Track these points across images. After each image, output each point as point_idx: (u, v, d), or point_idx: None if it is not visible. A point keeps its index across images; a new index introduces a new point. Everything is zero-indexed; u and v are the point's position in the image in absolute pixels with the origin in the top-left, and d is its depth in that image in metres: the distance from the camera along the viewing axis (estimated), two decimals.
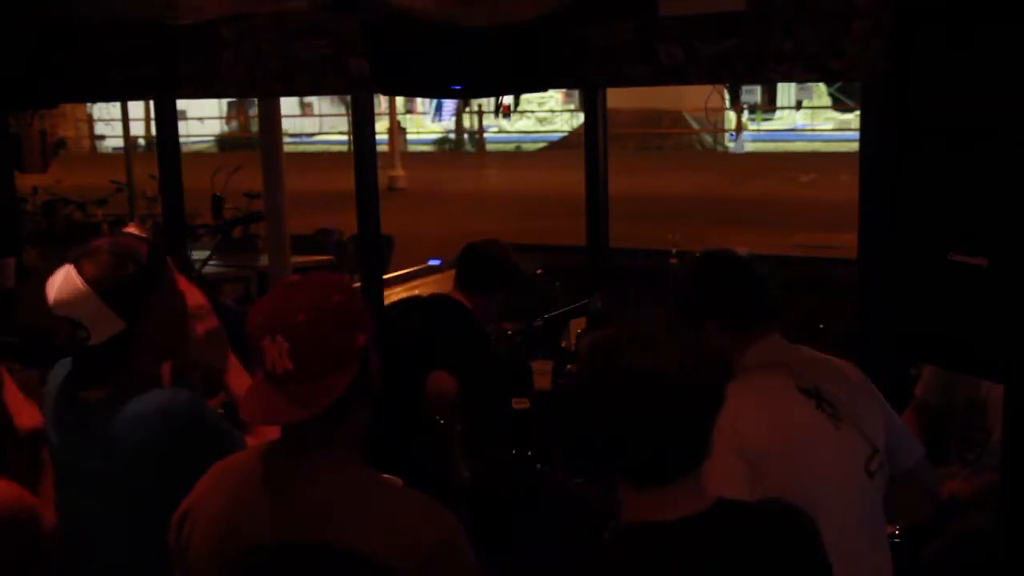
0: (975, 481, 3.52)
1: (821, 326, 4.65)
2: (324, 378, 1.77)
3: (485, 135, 27.88)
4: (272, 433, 2.03)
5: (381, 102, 18.31)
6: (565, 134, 26.40)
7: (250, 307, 1.90)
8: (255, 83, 4.19)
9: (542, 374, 4.52)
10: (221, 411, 2.58)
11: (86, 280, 2.06)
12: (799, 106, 26.26)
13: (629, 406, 1.66)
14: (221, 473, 1.93)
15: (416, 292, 6.17)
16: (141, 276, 2.12)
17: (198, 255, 6.27)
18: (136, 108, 20.73)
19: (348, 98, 14.08)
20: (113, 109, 18.34)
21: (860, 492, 2.33)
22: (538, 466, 3.84)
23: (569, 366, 4.57)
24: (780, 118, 27.38)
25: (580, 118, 17.76)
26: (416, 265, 7.24)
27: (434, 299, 4.35)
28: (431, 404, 3.93)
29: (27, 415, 2.43)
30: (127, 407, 2.10)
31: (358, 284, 5.20)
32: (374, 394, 1.87)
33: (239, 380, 2.35)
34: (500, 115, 24.89)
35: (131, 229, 2.28)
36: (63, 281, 2.07)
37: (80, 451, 2.17)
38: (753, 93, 21.95)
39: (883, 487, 2.38)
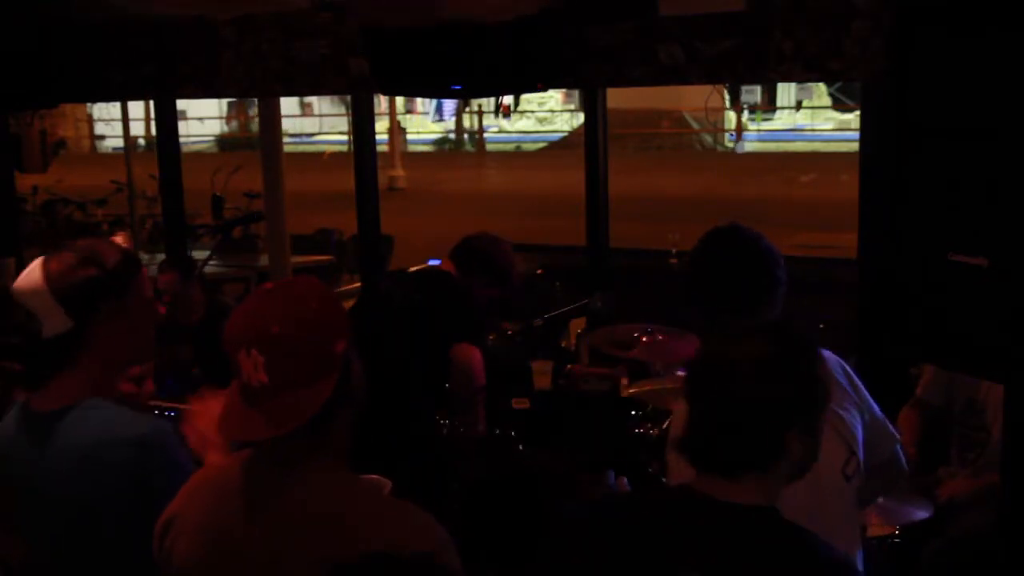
0: (974, 482, 3.51)
1: (821, 326, 4.65)
2: (301, 390, 1.72)
3: (485, 135, 27.87)
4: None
5: (381, 102, 18.30)
6: (565, 134, 26.39)
7: None
8: (255, 83, 4.19)
9: (542, 374, 4.52)
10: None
11: (45, 275, 2.09)
12: (799, 106, 26.24)
13: (698, 387, 1.79)
14: (205, 481, 1.90)
15: None
16: (99, 281, 2.11)
17: (198, 255, 6.27)
18: (136, 108, 20.71)
19: (348, 98, 14.06)
20: (113, 109, 18.34)
21: (836, 495, 2.32)
22: (520, 447, 3.87)
23: (569, 366, 4.57)
24: (780, 118, 27.37)
25: (580, 118, 17.75)
26: (416, 265, 7.24)
27: (423, 271, 4.43)
28: (455, 378, 3.92)
29: None
30: (90, 419, 2.08)
31: (358, 284, 5.20)
32: (358, 400, 1.82)
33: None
34: (500, 115, 24.88)
35: (117, 239, 2.30)
36: (28, 271, 2.12)
37: (37, 465, 2.10)
38: (753, 93, 21.95)
39: (857, 489, 2.38)
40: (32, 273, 2.11)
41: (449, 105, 24.18)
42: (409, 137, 27.38)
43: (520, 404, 4.11)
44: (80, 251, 2.13)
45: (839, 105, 25.48)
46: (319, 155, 21.04)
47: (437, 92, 5.28)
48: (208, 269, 6.08)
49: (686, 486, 1.81)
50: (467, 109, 26.08)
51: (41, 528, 2.11)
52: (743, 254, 2.47)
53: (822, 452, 2.28)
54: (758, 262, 2.46)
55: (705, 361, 1.81)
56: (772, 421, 1.77)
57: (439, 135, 29.63)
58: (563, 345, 4.87)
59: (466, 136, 28.75)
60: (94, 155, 25.70)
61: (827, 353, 2.49)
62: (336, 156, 20.83)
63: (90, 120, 28.00)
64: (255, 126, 22.74)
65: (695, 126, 24.36)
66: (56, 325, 2.09)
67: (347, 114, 24.50)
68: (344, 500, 1.78)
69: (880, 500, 3.12)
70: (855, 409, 2.42)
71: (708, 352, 1.82)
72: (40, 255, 2.16)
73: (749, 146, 24.06)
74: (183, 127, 11.03)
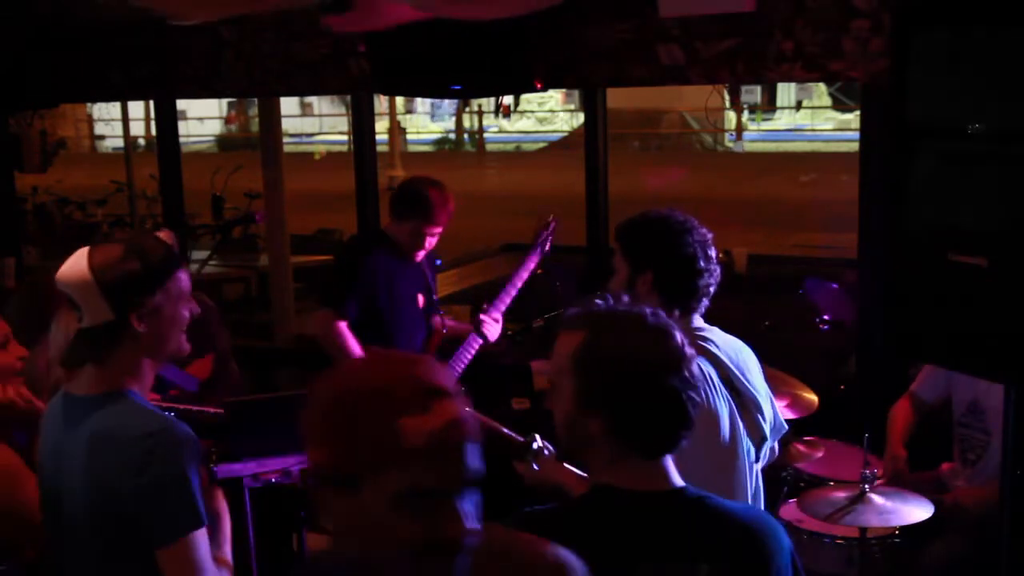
0: (980, 490, 3.47)
1: (823, 326, 4.65)
2: None
3: (485, 135, 27.86)
4: None
5: (381, 102, 18.27)
6: (565, 134, 26.36)
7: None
8: (255, 83, 4.19)
9: (542, 374, 4.52)
10: None
11: (91, 265, 2.11)
12: (799, 106, 26.22)
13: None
14: None
15: None
16: (143, 275, 2.14)
17: (198, 255, 6.27)
18: (136, 108, 20.69)
19: (348, 98, 14.04)
20: (113, 109, 18.29)
21: (754, 479, 2.48)
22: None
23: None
24: (780, 118, 27.35)
25: (580, 118, 17.74)
26: None
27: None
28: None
29: None
30: (117, 409, 2.13)
31: None
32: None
33: None
34: (500, 115, 24.87)
35: (162, 235, 2.36)
36: (74, 260, 2.14)
37: (61, 445, 2.16)
38: (753, 93, 21.91)
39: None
40: (77, 262, 2.13)
41: (449, 105, 24.16)
42: (409, 137, 27.36)
43: (520, 404, 4.11)
44: (126, 244, 2.17)
45: (839, 105, 25.46)
46: (310, 155, 20.89)
47: (437, 92, 5.28)
48: (208, 269, 6.08)
49: (603, 485, 1.81)
50: (467, 109, 26.07)
51: (61, 506, 2.17)
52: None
53: (743, 438, 2.43)
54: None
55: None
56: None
57: (439, 135, 29.62)
58: None
59: (466, 136, 28.73)
60: (94, 155, 25.67)
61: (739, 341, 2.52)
62: (335, 156, 20.80)
63: (90, 120, 27.95)
64: (255, 126, 22.72)
65: (695, 126, 24.35)
66: (98, 316, 2.11)
67: (347, 114, 24.48)
68: None
69: (880, 500, 3.13)
70: (768, 390, 2.57)
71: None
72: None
73: (749, 146, 24.05)
74: (183, 127, 11.00)
